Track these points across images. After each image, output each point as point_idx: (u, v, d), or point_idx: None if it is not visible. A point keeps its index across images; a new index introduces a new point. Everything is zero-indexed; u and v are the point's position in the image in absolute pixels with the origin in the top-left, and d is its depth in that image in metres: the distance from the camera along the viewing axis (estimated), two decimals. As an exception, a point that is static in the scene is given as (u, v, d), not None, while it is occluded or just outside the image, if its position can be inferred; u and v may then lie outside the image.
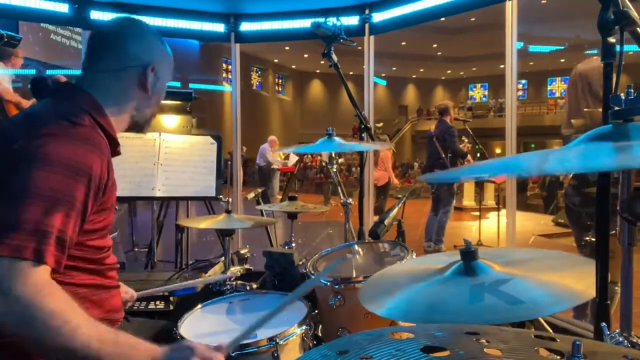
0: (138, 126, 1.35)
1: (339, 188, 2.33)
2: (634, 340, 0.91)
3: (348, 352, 0.62)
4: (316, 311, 1.63)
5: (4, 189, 0.99)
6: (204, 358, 1.02)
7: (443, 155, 5.61)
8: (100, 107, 1.20)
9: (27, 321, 0.90)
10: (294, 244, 2.52)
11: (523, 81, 26.16)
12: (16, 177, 0.99)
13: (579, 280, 0.88)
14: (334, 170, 2.42)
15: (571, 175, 2.65)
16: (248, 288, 1.91)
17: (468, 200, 10.12)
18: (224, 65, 20.22)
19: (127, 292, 1.50)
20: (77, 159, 1.04)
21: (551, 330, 1.48)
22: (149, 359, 0.99)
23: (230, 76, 4.02)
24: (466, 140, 6.60)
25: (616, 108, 0.82)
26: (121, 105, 1.26)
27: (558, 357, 0.59)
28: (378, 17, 3.63)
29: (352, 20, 3.68)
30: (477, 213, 6.74)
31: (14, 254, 0.92)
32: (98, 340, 0.94)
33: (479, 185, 7.84)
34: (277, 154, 10.86)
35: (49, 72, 9.14)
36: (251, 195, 3.78)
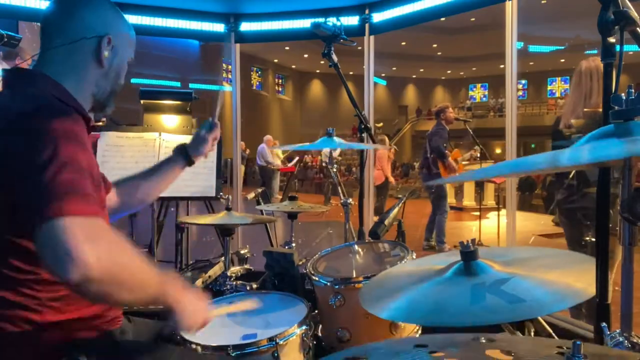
0: (99, 105, 1.29)
1: (339, 188, 2.33)
2: (635, 340, 0.90)
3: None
4: (316, 311, 1.63)
5: (16, 178, 0.98)
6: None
7: (428, 155, 5.73)
8: (61, 87, 1.16)
9: (90, 271, 0.87)
10: (294, 244, 2.52)
11: (523, 81, 26.16)
12: (24, 160, 0.97)
13: (578, 278, 0.88)
14: (334, 170, 2.42)
15: (571, 175, 2.65)
16: (248, 288, 1.91)
17: (468, 200, 10.12)
18: (224, 65, 20.19)
19: None
20: (68, 127, 1.03)
21: (551, 330, 1.48)
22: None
23: (230, 76, 4.01)
24: (478, 148, 6.40)
25: (617, 108, 0.82)
26: (78, 81, 1.21)
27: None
28: (378, 17, 3.63)
29: (352, 20, 3.68)
30: (477, 213, 6.74)
31: (55, 214, 0.89)
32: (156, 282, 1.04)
33: (479, 185, 7.85)
34: (276, 153, 10.85)
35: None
36: (251, 195, 3.78)
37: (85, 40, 1.20)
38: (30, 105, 1.06)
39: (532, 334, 1.40)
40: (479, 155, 6.41)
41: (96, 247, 0.89)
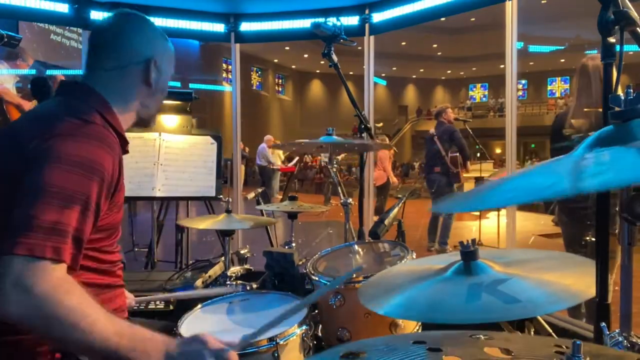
0: (143, 122, 1.37)
1: (339, 188, 2.33)
2: (634, 340, 0.91)
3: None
4: (316, 311, 1.63)
5: (19, 188, 1.00)
6: (216, 351, 1.00)
7: (444, 154, 5.64)
8: (109, 106, 1.22)
9: (46, 318, 0.91)
10: (294, 244, 2.52)
11: (523, 81, 26.17)
12: (31, 176, 1.00)
13: (577, 281, 0.88)
14: (334, 170, 2.42)
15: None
16: (248, 288, 1.91)
17: (468, 200, 10.09)
18: (224, 65, 20.21)
19: (127, 297, 1.49)
20: (90, 157, 1.05)
21: (550, 330, 1.48)
22: (164, 351, 0.99)
23: (230, 76, 4.01)
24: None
25: (616, 109, 0.82)
26: (127, 102, 1.28)
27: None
28: (378, 17, 3.63)
29: (352, 20, 3.68)
30: (477, 213, 6.74)
31: (32, 252, 0.93)
32: (116, 334, 0.95)
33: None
34: (277, 152, 10.87)
35: (48, 72, 9.12)
36: (251, 195, 3.78)
37: (133, 65, 1.27)
38: (62, 119, 1.10)
39: (532, 333, 1.40)
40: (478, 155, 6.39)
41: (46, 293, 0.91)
